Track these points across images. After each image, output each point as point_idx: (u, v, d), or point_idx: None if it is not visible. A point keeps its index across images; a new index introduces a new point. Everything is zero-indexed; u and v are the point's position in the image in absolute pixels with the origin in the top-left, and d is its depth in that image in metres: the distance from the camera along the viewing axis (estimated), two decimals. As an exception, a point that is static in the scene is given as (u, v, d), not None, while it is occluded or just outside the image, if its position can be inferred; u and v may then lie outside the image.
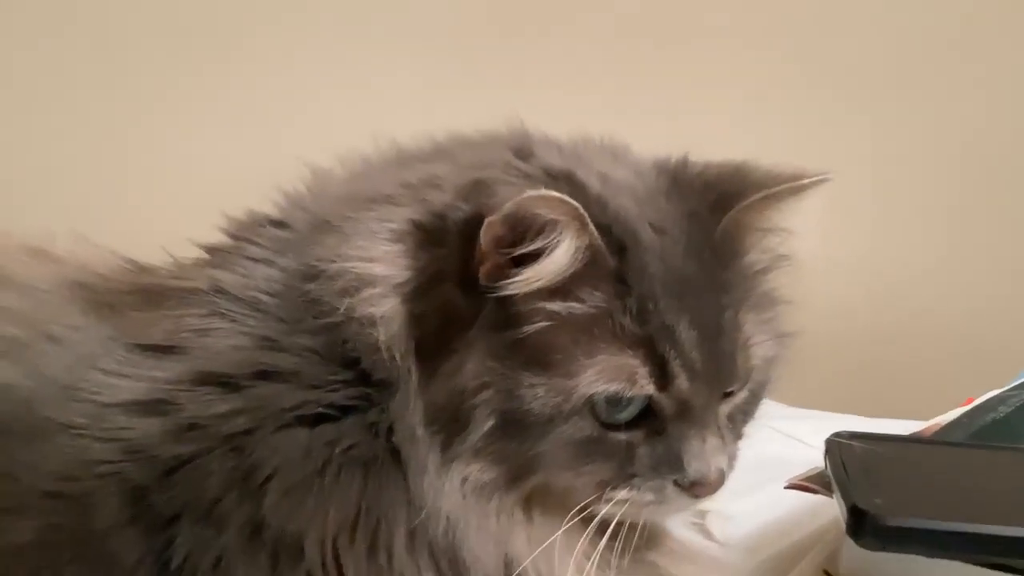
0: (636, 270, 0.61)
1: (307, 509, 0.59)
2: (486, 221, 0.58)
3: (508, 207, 0.57)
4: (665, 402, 0.62)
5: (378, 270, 0.61)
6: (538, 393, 0.60)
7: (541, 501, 0.65)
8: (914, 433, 0.92)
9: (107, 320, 0.65)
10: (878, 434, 0.78)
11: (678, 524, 0.73)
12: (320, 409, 0.61)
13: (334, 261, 0.62)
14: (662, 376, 0.61)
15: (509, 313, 0.60)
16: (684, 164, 0.70)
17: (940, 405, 0.97)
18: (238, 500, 0.58)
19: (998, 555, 0.63)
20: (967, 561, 0.64)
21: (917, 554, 0.64)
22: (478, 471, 0.61)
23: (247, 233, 0.70)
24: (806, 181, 0.65)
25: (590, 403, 0.61)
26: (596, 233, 0.59)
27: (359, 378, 0.62)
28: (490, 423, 0.60)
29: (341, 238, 0.64)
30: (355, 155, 0.74)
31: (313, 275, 0.63)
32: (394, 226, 0.63)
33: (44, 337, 0.63)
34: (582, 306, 0.60)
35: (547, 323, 0.60)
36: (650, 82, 1.42)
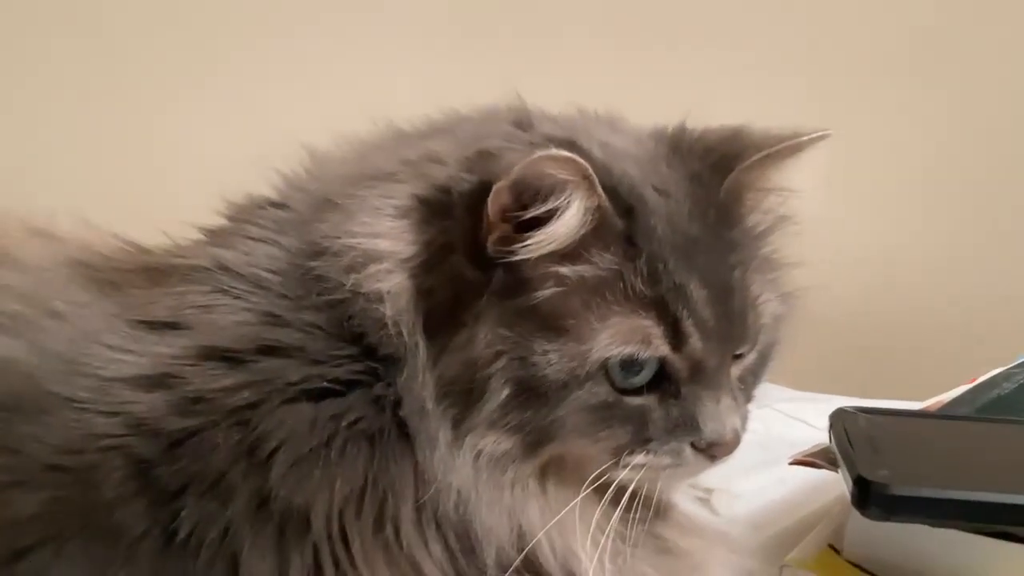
0: (644, 231, 0.62)
1: (314, 481, 0.59)
2: (495, 187, 0.58)
3: (517, 170, 0.57)
4: (679, 363, 0.62)
5: (384, 246, 0.62)
6: (552, 359, 0.60)
7: (556, 472, 0.64)
8: (918, 409, 0.92)
9: (110, 297, 0.65)
10: (882, 408, 0.79)
11: (685, 498, 0.73)
12: (325, 384, 0.61)
13: (339, 238, 0.62)
14: (676, 336, 0.62)
15: (519, 280, 0.60)
16: (682, 130, 0.70)
17: (944, 386, 0.96)
18: (244, 472, 0.58)
19: (1003, 523, 0.63)
20: (971, 530, 0.64)
21: (922, 524, 0.64)
22: (493, 442, 0.61)
23: (246, 215, 0.70)
24: (805, 138, 0.66)
25: (604, 367, 0.61)
26: (603, 194, 0.59)
27: (364, 353, 0.62)
28: (505, 392, 0.60)
29: (345, 215, 0.64)
30: (352, 136, 0.74)
31: (317, 252, 0.63)
32: (397, 202, 0.63)
33: (47, 313, 0.63)
34: (592, 269, 0.60)
35: (558, 288, 0.60)
36: (652, 63, 1.42)
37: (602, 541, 0.64)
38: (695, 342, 0.62)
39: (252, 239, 0.67)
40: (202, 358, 0.61)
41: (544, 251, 0.59)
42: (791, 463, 0.85)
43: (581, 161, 0.57)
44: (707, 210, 0.65)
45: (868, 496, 0.61)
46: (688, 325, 0.62)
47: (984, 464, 0.69)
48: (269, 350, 0.61)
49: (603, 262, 0.61)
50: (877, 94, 1.41)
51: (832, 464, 0.79)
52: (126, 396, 0.59)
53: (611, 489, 0.64)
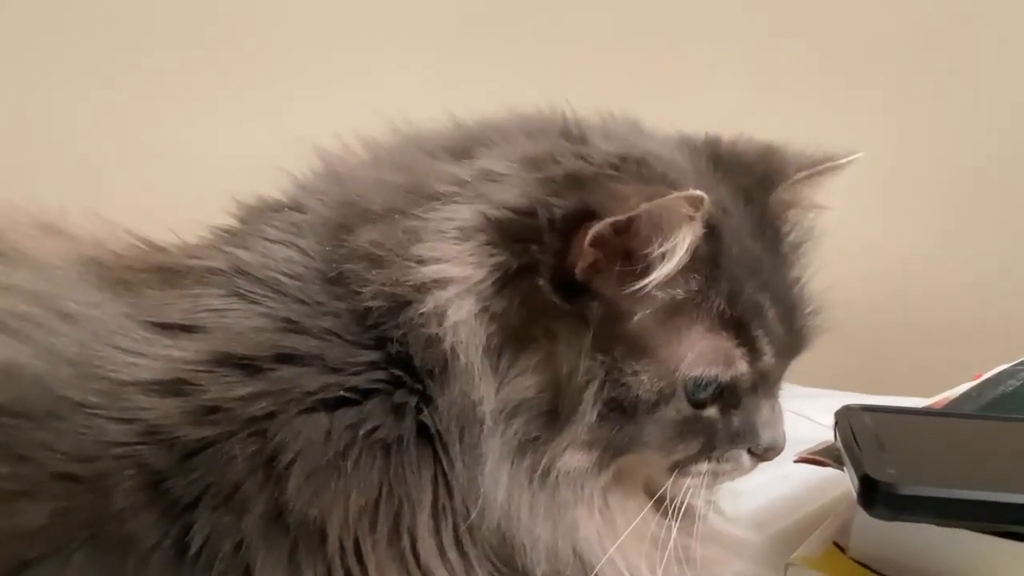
0: (725, 252, 0.61)
1: (329, 493, 0.57)
2: (606, 220, 0.57)
3: (645, 208, 0.56)
4: (747, 377, 0.63)
5: (452, 271, 0.60)
6: (643, 380, 0.60)
7: (616, 485, 0.65)
8: (924, 407, 0.92)
9: (122, 297, 0.63)
10: (888, 406, 0.78)
11: (705, 507, 0.72)
12: (342, 392, 0.59)
13: (400, 255, 0.60)
14: (752, 354, 0.62)
15: (613, 306, 0.60)
16: (716, 142, 0.70)
17: (947, 383, 0.97)
18: (260, 485, 0.56)
19: (1009, 522, 0.62)
20: (978, 529, 0.64)
21: (928, 523, 0.64)
22: (570, 458, 0.61)
23: (261, 217, 0.68)
24: (843, 161, 0.68)
25: (684, 384, 0.61)
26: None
27: (387, 360, 0.60)
28: (596, 413, 0.60)
29: (404, 233, 0.61)
30: (363, 139, 0.72)
31: (358, 258, 0.61)
32: (460, 223, 0.61)
33: (57, 315, 0.60)
34: (683, 292, 0.60)
35: (649, 310, 0.60)
36: (659, 66, 1.41)
37: (658, 555, 0.64)
38: (768, 359, 0.63)
39: (269, 241, 0.65)
40: (217, 364, 0.59)
41: (656, 284, 0.59)
42: (796, 461, 0.85)
43: (707, 198, 0.56)
44: (763, 228, 0.66)
45: (875, 495, 0.61)
46: (763, 343, 0.63)
47: (991, 463, 0.69)
48: (286, 358, 0.59)
49: (692, 285, 0.61)
50: (877, 93, 1.41)
51: (837, 462, 0.79)
52: (139, 402, 0.57)
53: (669, 501, 0.64)
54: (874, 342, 1.34)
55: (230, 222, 0.69)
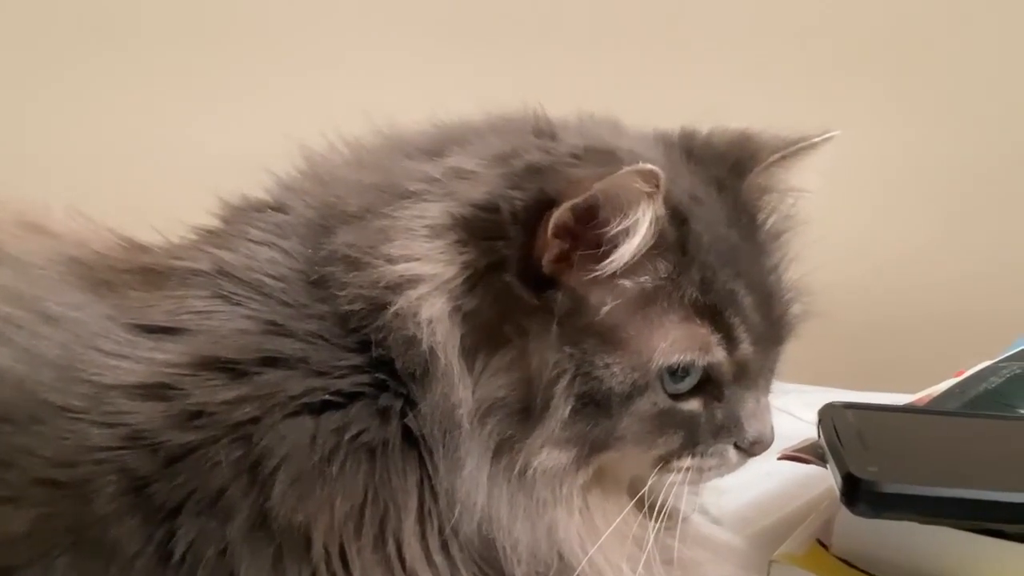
0: (694, 239, 0.61)
1: (314, 499, 0.56)
2: (564, 205, 0.56)
3: (604, 185, 0.55)
4: (726, 367, 0.62)
5: (423, 269, 0.59)
6: (615, 371, 0.59)
7: (597, 484, 0.64)
8: (907, 403, 0.92)
9: (105, 299, 0.62)
10: (871, 404, 0.77)
11: (689, 508, 0.72)
12: (327, 396, 0.58)
13: (372, 256, 0.60)
14: (730, 342, 0.62)
15: (580, 297, 0.59)
16: (690, 134, 0.69)
17: (930, 378, 0.96)
18: (244, 490, 0.56)
19: (991, 520, 0.62)
20: (960, 527, 0.63)
21: (911, 521, 0.63)
22: (547, 457, 0.60)
23: (245, 217, 0.67)
24: (817, 139, 0.67)
25: (660, 375, 0.60)
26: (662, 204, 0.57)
27: (371, 364, 0.59)
28: (569, 408, 0.59)
29: (375, 233, 0.61)
30: (347, 140, 0.71)
31: (336, 261, 0.61)
32: (430, 221, 0.60)
33: (39, 316, 0.60)
34: (651, 279, 0.60)
35: (618, 301, 0.59)
36: (650, 66, 1.41)
37: (640, 556, 0.64)
38: (746, 347, 0.62)
39: (253, 242, 0.64)
40: (201, 368, 0.58)
41: (618, 267, 0.58)
42: (780, 458, 0.85)
43: (661, 173, 0.55)
44: (738, 215, 0.65)
45: (857, 493, 0.60)
46: (740, 331, 0.62)
47: (973, 460, 0.68)
48: (271, 361, 0.58)
49: (660, 272, 0.60)
50: (863, 89, 1.41)
51: (821, 459, 0.79)
52: (122, 406, 0.56)
53: (650, 499, 0.63)
54: (857, 338, 1.34)
55: (214, 222, 0.68)
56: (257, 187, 0.69)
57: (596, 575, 0.63)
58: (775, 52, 1.43)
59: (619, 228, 0.57)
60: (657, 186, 0.56)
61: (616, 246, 0.57)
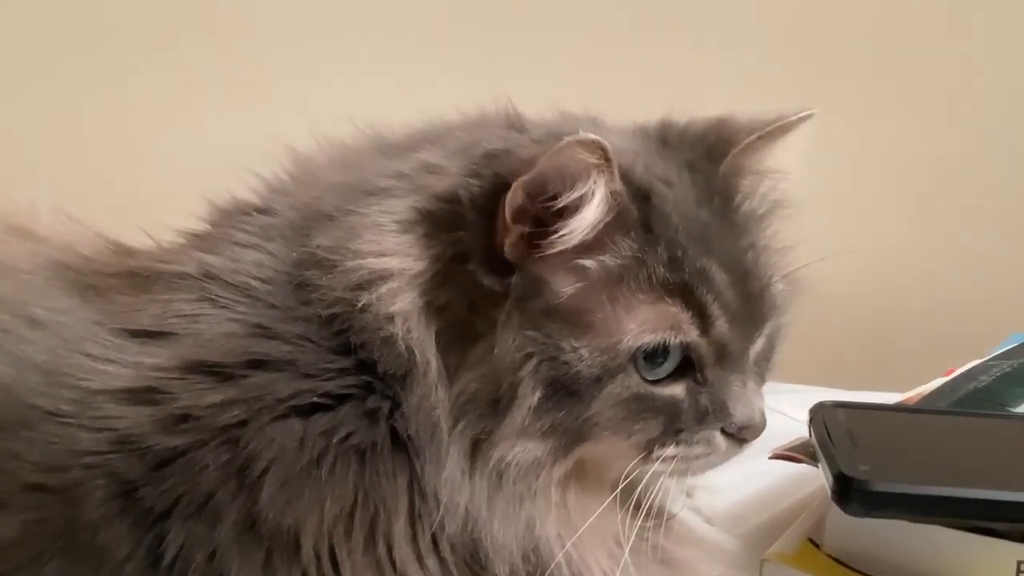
0: (660, 217, 0.60)
1: (303, 501, 0.56)
2: (517, 182, 0.56)
3: (547, 158, 0.55)
4: (705, 348, 0.61)
5: (392, 264, 0.59)
6: (583, 355, 0.58)
7: (576, 480, 0.63)
8: (897, 402, 0.92)
9: (91, 303, 0.62)
10: (862, 403, 0.78)
11: (680, 507, 0.70)
12: (315, 399, 0.58)
13: (341, 256, 0.59)
14: (703, 320, 0.60)
15: (540, 280, 0.58)
16: (667, 124, 0.69)
17: (921, 377, 0.96)
18: (233, 494, 0.55)
19: (982, 518, 0.62)
20: (951, 525, 0.64)
21: (902, 519, 0.64)
22: (522, 450, 0.59)
23: (230, 219, 0.67)
24: (793, 118, 0.66)
25: (634, 358, 0.59)
26: (620, 179, 0.57)
27: (357, 367, 0.59)
28: (537, 395, 0.58)
29: (345, 232, 0.61)
30: (334, 140, 0.71)
31: (312, 264, 0.60)
32: (399, 216, 0.60)
33: (26, 321, 0.59)
34: (614, 259, 0.59)
35: (581, 283, 0.58)
36: (637, 67, 1.40)
37: (621, 554, 0.63)
38: (721, 325, 0.61)
39: (239, 245, 0.63)
40: (188, 371, 0.57)
41: (571, 244, 0.57)
42: (771, 457, 0.85)
43: (606, 143, 0.55)
44: (710, 196, 0.64)
45: (848, 492, 0.61)
46: (714, 308, 0.60)
47: (964, 459, 0.69)
48: (258, 364, 0.58)
49: (624, 250, 0.59)
50: (852, 88, 1.41)
51: (812, 458, 0.79)
52: (110, 410, 0.56)
53: (634, 493, 0.62)
54: (848, 338, 1.35)
55: (201, 225, 0.68)
56: (244, 189, 0.69)
57: (576, 572, 0.62)
58: (769, 51, 1.43)
59: (568, 200, 0.56)
60: (606, 159, 0.55)
61: (567, 220, 0.57)
